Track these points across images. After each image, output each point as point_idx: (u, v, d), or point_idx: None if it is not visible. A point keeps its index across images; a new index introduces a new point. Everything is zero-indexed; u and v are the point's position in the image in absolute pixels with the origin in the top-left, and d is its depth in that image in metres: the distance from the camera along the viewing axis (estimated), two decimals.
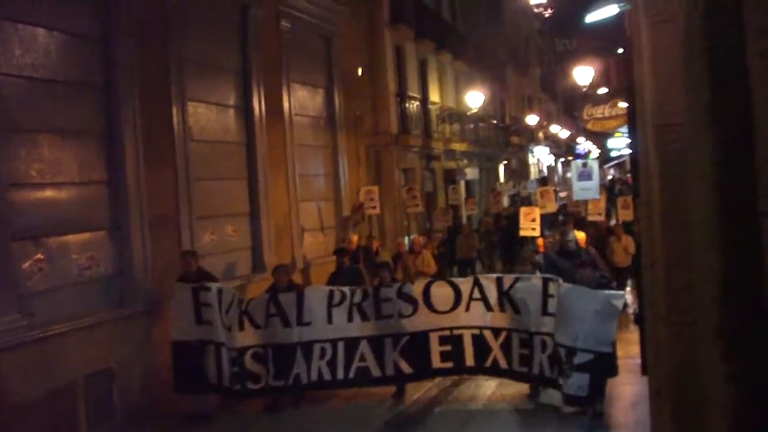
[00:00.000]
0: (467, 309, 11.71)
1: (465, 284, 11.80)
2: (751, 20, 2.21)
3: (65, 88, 12.63)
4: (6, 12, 11.51)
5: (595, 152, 78.65)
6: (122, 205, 13.53)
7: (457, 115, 35.80)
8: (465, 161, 37.63)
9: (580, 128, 66.13)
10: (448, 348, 11.69)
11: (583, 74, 37.60)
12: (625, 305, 20.08)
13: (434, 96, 33.65)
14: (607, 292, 11.30)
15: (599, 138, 68.61)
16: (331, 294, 12.11)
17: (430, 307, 11.73)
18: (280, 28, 19.45)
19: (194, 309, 12.49)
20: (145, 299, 13.58)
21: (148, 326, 13.60)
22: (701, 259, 3.36)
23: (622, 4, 13.71)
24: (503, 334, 11.52)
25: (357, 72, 24.54)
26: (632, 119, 9.80)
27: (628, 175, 55.78)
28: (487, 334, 11.59)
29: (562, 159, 73.11)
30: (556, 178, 67.30)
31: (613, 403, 13.97)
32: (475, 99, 35.71)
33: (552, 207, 27.67)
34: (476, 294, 11.66)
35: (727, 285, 2.75)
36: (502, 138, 47.76)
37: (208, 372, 12.52)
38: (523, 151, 54.32)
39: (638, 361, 12.87)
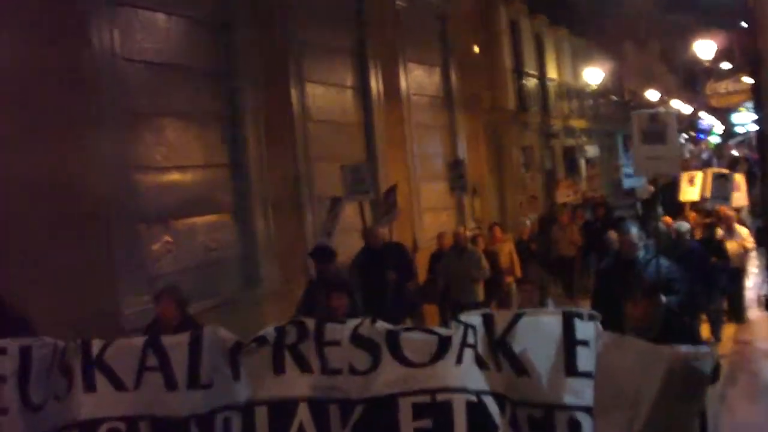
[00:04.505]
0: (459, 361, 6.57)
1: (455, 328, 6.66)
2: None
3: (186, 72, 12.84)
4: None
5: (719, 128, 76.95)
6: (244, 187, 13.73)
7: (575, 92, 35.37)
8: (584, 138, 37.15)
9: (702, 103, 64.67)
10: (427, 423, 6.49)
11: (704, 48, 36.73)
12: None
13: (552, 72, 33.28)
14: (680, 348, 6.06)
15: (722, 113, 67.00)
16: (239, 342, 6.94)
17: (400, 357, 6.65)
18: (396, 8, 19.42)
19: None
20: (269, 281, 13.72)
21: (272, 308, 13.73)
22: None
23: None
24: (509, 407, 6.54)
25: (473, 49, 24.37)
26: (758, 96, 9.50)
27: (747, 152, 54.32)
28: (490, 402, 6.51)
29: (685, 135, 71.62)
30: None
31: (742, 389, 13.65)
32: (593, 75, 35.25)
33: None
34: (470, 339, 6.61)
35: None
36: (622, 114, 47.02)
37: None
38: None
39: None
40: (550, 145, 31.95)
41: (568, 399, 6.17)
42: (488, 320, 6.56)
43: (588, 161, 38.14)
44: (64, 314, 9.91)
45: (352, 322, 6.84)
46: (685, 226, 14.79)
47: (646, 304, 7.42)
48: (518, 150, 27.43)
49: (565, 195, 25.55)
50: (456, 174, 19.10)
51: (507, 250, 18.25)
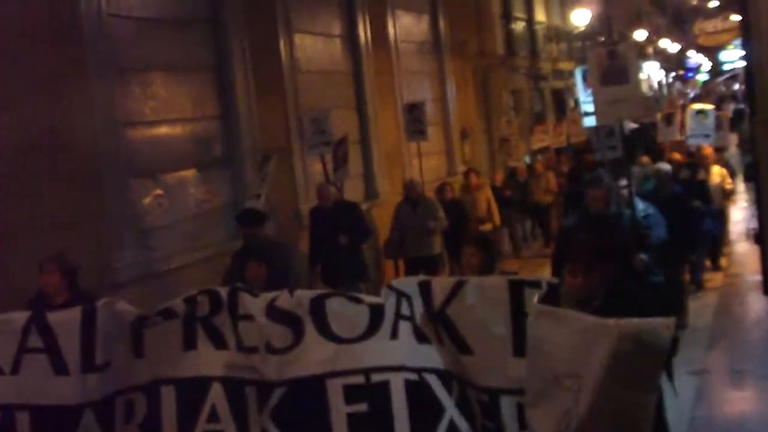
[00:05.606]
0: (394, 335, 5.70)
1: (386, 296, 5.81)
2: None
3: (173, 25, 12.78)
4: None
5: (707, 66, 76.72)
6: (235, 138, 13.74)
7: (564, 34, 35.24)
8: (573, 80, 37.07)
9: (690, 41, 64.57)
10: (362, 407, 5.66)
11: None
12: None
13: (540, 15, 33.12)
14: (630, 322, 4.78)
15: (711, 51, 66.85)
16: (142, 315, 6.09)
17: (327, 332, 5.75)
18: None
19: None
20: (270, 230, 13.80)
21: None
22: None
23: None
24: (457, 385, 5.65)
25: None
26: (746, 33, 9.48)
27: (736, 87, 54.13)
28: (434, 381, 5.64)
29: (673, 74, 71.49)
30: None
31: (733, 322, 13.84)
32: (581, 16, 35.10)
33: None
34: (405, 310, 5.72)
35: None
36: None
37: None
38: None
39: (758, 278, 12.64)
40: (539, 87, 31.89)
41: (515, 382, 5.24)
42: (425, 289, 5.67)
43: (576, 103, 38.10)
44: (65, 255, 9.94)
45: (268, 295, 5.93)
46: (665, 167, 14.06)
47: (585, 274, 5.73)
48: (507, 94, 27.38)
49: (539, 140, 25.32)
50: (412, 118, 17.27)
51: (484, 197, 18.00)
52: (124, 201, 11.32)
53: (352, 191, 16.93)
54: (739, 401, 10.75)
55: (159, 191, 12.12)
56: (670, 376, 7.93)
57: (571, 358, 4.81)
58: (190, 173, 12.87)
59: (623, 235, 9.44)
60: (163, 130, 12.46)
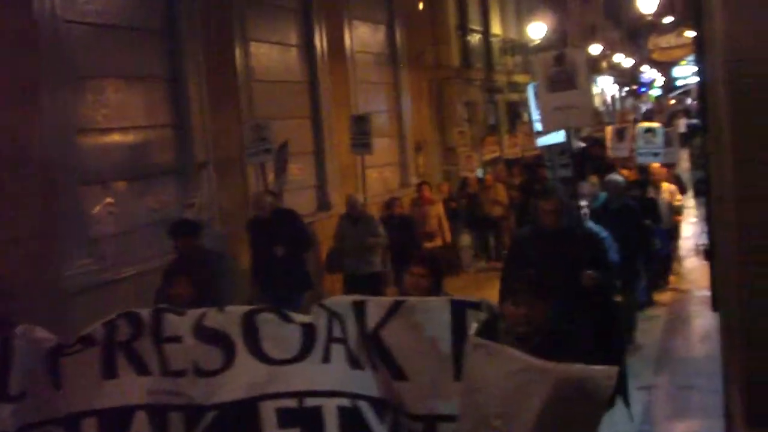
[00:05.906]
0: (326, 359, 5.43)
1: (317, 316, 5.50)
2: None
3: (128, 33, 12.72)
4: None
5: (660, 81, 77.42)
6: (187, 147, 13.69)
7: (519, 47, 35.44)
8: (527, 94, 37.28)
9: (644, 56, 65.10)
10: None
11: (647, 2, 36.89)
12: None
13: (496, 28, 33.28)
14: (572, 368, 4.41)
15: (664, 66, 67.41)
16: (60, 344, 5.61)
17: (259, 353, 5.45)
18: None
19: None
20: (212, 242, 13.67)
21: None
22: None
23: None
24: (390, 414, 5.35)
25: (417, 6, 24.32)
26: (700, 49, 9.54)
27: (688, 101, 54.69)
28: (365, 408, 5.31)
29: (626, 88, 72.09)
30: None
31: (682, 338, 13.97)
32: (537, 29, 35.32)
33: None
34: (337, 332, 5.45)
35: None
36: None
37: None
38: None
39: (707, 294, 12.74)
40: (493, 100, 32.00)
41: (455, 408, 4.96)
42: (359, 309, 5.37)
43: (529, 117, 38.24)
44: (4, 277, 9.79)
45: (196, 313, 5.53)
46: (618, 178, 13.67)
47: (528, 305, 5.41)
48: (462, 106, 27.44)
49: (491, 152, 25.07)
50: (358, 131, 16.71)
51: (435, 213, 17.76)
52: (74, 209, 11.22)
53: (305, 202, 16.94)
54: (686, 417, 10.82)
55: (110, 199, 12.05)
56: (626, 401, 8.05)
57: (503, 399, 4.50)
58: (141, 182, 12.79)
59: (578, 247, 9.16)
60: (116, 137, 12.39)
